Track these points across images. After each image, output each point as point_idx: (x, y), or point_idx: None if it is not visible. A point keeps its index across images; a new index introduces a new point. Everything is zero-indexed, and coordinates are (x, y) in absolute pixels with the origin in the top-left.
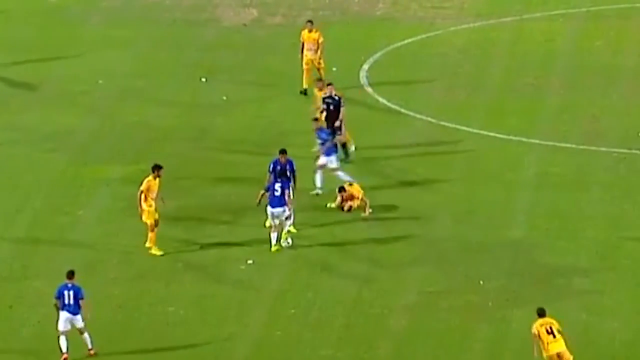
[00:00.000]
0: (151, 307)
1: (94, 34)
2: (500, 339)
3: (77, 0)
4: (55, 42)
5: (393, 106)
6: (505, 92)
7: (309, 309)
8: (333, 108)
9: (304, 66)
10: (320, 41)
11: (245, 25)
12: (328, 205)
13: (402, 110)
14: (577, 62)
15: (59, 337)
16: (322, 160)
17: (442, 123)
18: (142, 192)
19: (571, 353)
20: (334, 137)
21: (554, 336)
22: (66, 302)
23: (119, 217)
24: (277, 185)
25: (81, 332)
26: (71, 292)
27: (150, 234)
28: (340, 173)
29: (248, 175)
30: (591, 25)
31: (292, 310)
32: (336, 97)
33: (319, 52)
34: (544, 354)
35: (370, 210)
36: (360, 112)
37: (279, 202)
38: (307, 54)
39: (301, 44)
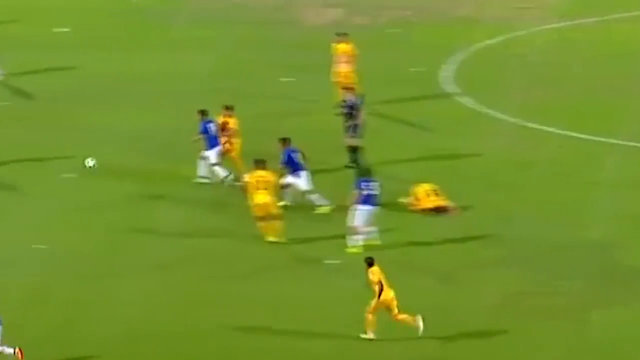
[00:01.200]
0: (229, 306)
1: (177, 34)
2: (581, 341)
3: (160, 1)
4: (138, 42)
5: (474, 107)
6: (587, 93)
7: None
8: (351, 110)
9: (339, 79)
10: (355, 53)
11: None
12: (400, 200)
13: (483, 111)
14: None
15: None
16: (208, 153)
17: (524, 124)
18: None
19: None
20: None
21: (387, 281)
22: None
23: (204, 216)
24: (373, 184)
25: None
26: None
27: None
28: (216, 168)
29: (326, 176)
30: None
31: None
32: (355, 100)
33: (352, 65)
34: (381, 299)
35: (457, 211)
36: (440, 113)
37: (378, 200)
38: (342, 67)
39: (335, 57)
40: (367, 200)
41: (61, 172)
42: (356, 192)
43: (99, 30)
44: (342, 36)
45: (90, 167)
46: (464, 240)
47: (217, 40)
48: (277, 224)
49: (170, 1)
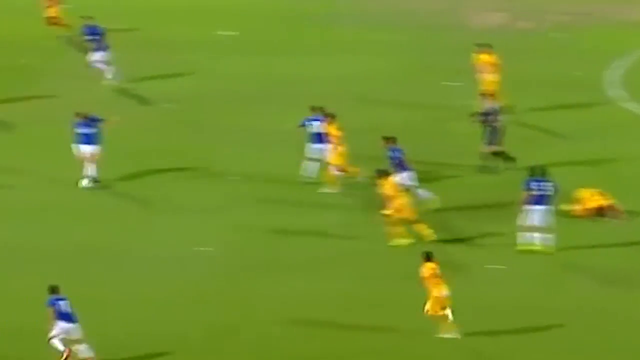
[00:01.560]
0: (383, 307)
1: (342, 38)
2: None
3: (325, 5)
4: (302, 45)
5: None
6: None
7: (550, 316)
8: (486, 117)
9: (487, 87)
10: (498, 63)
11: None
12: (562, 206)
13: None
14: None
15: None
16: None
17: None
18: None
19: None
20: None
21: (440, 279)
22: (63, 310)
23: (358, 220)
24: (545, 184)
25: (79, 342)
26: (66, 302)
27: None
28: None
29: (489, 179)
30: None
31: (534, 317)
32: (493, 107)
33: (497, 75)
34: (432, 295)
35: (624, 214)
36: (604, 118)
37: (550, 201)
38: (487, 77)
39: (479, 67)
40: (539, 200)
41: (225, 174)
42: (525, 192)
43: (264, 34)
44: (484, 47)
45: (83, 187)
46: (628, 245)
47: (381, 44)
48: (422, 225)
49: (336, 5)
